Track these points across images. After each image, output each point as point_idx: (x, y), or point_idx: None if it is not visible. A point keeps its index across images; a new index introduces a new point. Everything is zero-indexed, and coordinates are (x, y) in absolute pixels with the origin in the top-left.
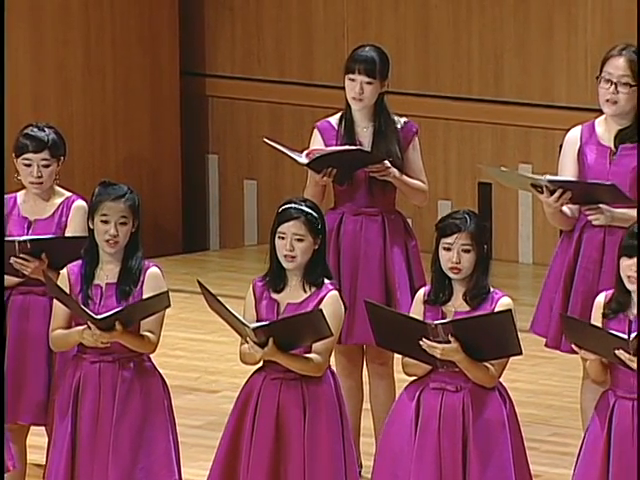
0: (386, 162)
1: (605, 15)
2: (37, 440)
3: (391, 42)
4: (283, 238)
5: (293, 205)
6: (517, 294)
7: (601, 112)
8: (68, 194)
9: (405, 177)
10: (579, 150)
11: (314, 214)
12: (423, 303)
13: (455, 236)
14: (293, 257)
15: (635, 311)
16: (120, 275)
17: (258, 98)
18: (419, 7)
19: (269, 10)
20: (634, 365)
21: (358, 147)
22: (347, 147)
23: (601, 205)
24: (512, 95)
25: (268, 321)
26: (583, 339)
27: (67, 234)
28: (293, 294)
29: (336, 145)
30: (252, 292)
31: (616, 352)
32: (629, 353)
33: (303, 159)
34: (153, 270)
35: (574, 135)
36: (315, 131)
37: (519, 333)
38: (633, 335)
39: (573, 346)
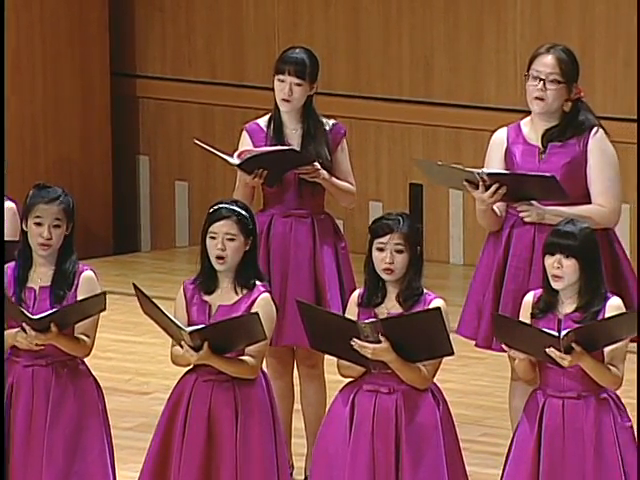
0: (316, 164)
1: (534, 17)
2: None
3: (322, 43)
4: (214, 238)
5: (224, 205)
6: (448, 295)
7: (531, 113)
8: None
9: (334, 179)
10: (506, 150)
11: (245, 214)
12: (357, 305)
13: (388, 236)
14: (224, 258)
15: (563, 310)
16: (54, 278)
17: (189, 99)
18: (349, 9)
19: (199, 11)
20: (565, 363)
21: (290, 147)
22: (279, 147)
23: (533, 202)
24: (442, 96)
25: (204, 324)
26: (514, 338)
27: None
28: (224, 296)
29: (265, 147)
30: (183, 294)
31: (547, 350)
32: (560, 351)
33: (234, 160)
34: (87, 273)
35: (500, 136)
36: (244, 133)
37: (450, 334)
38: (564, 332)
39: (503, 345)
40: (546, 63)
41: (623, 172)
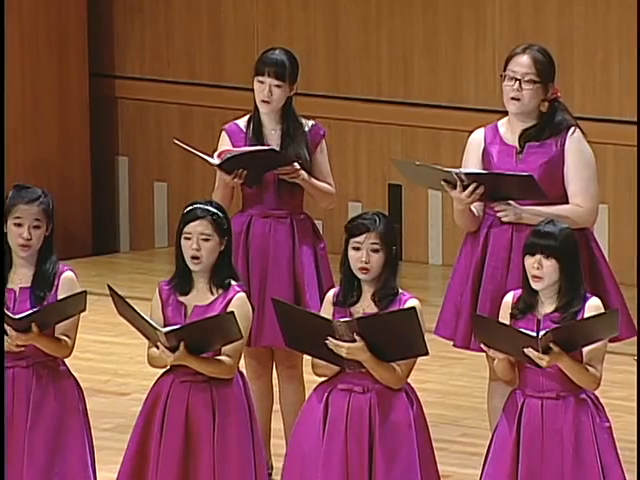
0: (295, 164)
1: (513, 18)
2: None
3: (301, 43)
4: (189, 238)
5: (199, 205)
6: (427, 295)
7: (508, 114)
8: None
9: (313, 180)
10: (484, 151)
11: (220, 214)
12: (332, 304)
13: (364, 236)
14: (199, 258)
15: (543, 310)
16: (34, 279)
17: (168, 100)
18: (328, 9)
19: (179, 11)
20: (543, 363)
21: (270, 147)
22: (259, 147)
23: (511, 202)
24: (421, 97)
25: (179, 325)
26: (493, 338)
27: None
28: (200, 296)
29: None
30: (158, 295)
31: (525, 350)
32: (538, 351)
33: (215, 160)
34: (68, 274)
35: (478, 137)
36: (223, 134)
37: (429, 334)
38: (542, 333)
39: (482, 345)
40: (522, 63)
41: (600, 172)
